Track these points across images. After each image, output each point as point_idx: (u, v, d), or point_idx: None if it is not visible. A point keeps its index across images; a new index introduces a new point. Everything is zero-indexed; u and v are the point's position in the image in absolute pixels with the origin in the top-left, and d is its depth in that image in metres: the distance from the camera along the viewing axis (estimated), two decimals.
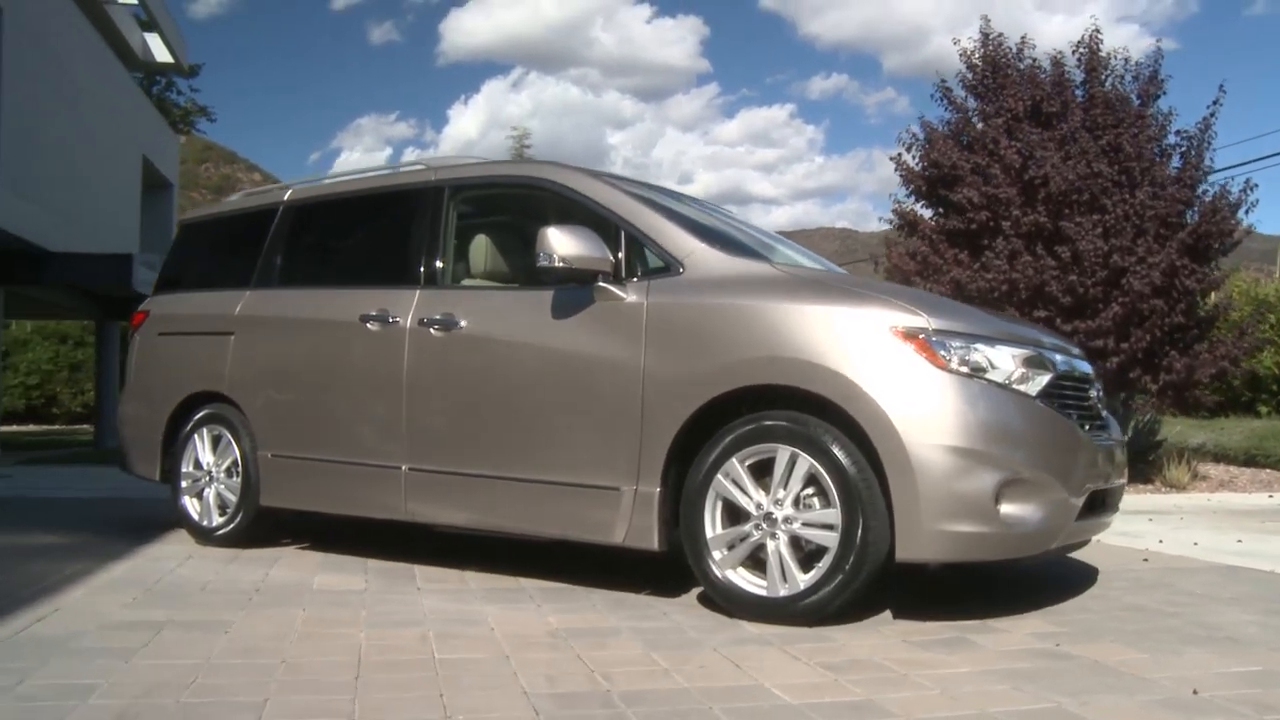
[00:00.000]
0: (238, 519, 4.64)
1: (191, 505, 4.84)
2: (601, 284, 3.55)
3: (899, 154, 9.79)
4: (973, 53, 9.49)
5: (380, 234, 4.55)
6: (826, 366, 3.11)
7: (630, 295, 3.52)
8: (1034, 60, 9.48)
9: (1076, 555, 4.71)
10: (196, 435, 4.83)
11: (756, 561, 3.23)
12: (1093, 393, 3.58)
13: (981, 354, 3.14)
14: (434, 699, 2.29)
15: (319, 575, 3.97)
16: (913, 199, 9.92)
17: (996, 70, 9.37)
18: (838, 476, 3.06)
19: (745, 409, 3.30)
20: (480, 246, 4.14)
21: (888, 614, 3.30)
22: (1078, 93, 9.25)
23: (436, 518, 4.04)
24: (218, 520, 4.73)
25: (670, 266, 3.53)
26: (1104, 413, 3.67)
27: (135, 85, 19.72)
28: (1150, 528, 5.95)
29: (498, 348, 3.85)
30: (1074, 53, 9.43)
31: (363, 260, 4.63)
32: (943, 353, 3.07)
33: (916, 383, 3.03)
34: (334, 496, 4.34)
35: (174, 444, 4.93)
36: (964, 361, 3.09)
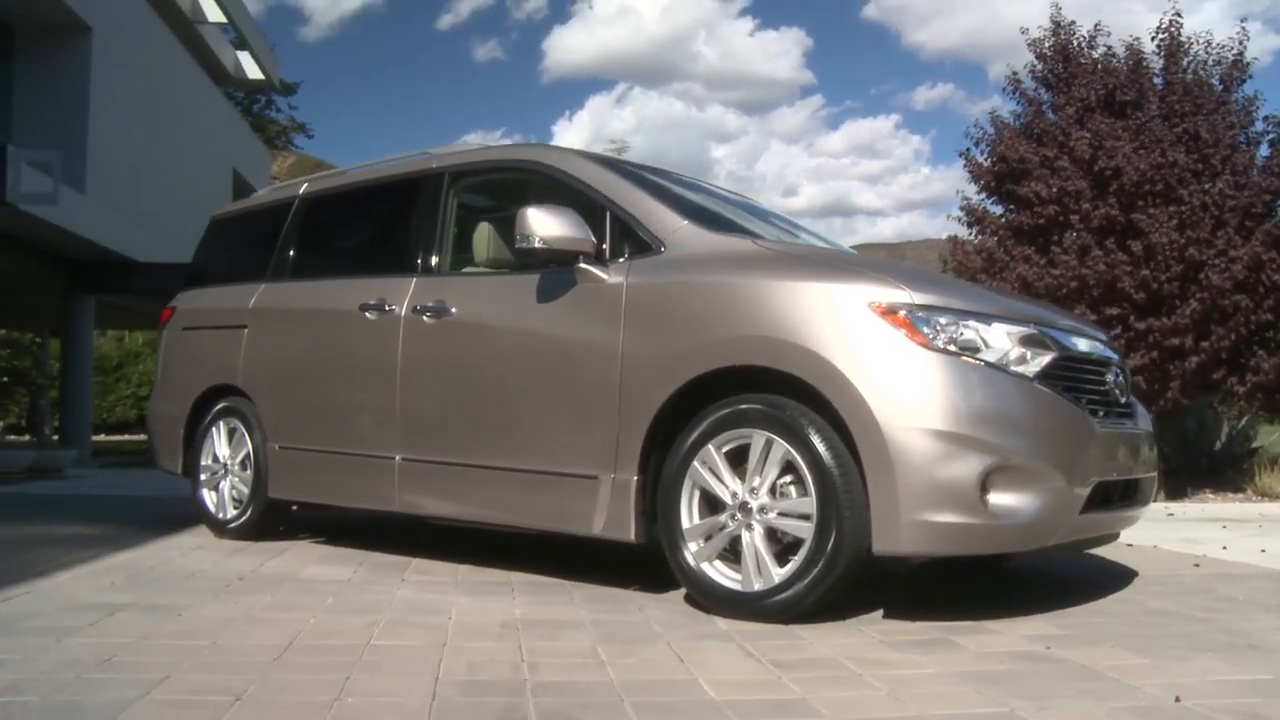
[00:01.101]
0: (249, 512, 4.65)
1: (209, 498, 4.87)
2: (582, 265, 3.42)
3: (967, 150, 9.43)
4: (1042, 42, 9.08)
5: (384, 223, 4.51)
6: (801, 345, 2.91)
7: (611, 276, 3.38)
8: (1108, 48, 9.02)
9: (1116, 558, 4.41)
10: (214, 429, 4.87)
11: (734, 554, 3.05)
12: (1110, 377, 3.28)
13: (972, 331, 2.90)
14: (338, 682, 2.18)
15: (312, 566, 3.93)
16: (983, 196, 9.55)
17: (1067, 60, 8.94)
18: (813, 463, 2.86)
19: (729, 392, 3.12)
20: (477, 232, 4.04)
21: (879, 612, 3.08)
22: (1156, 80, 8.76)
23: (427, 509, 3.95)
24: (232, 513, 4.74)
25: (653, 246, 3.38)
26: (1125, 399, 3.36)
27: (226, 101, 20.44)
28: (1221, 534, 5.54)
29: (485, 334, 3.75)
30: (1153, 39, 8.94)
31: (367, 250, 4.61)
32: (925, 329, 2.84)
33: (895, 361, 2.81)
34: (334, 488, 4.31)
35: (194, 438, 4.98)
36: (951, 339, 2.86)
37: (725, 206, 4.07)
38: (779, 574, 2.91)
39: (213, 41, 20.39)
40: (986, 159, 9.20)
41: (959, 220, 9.51)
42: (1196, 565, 4.32)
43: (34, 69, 12.15)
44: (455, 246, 4.12)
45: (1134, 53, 8.77)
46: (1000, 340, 2.93)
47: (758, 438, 2.99)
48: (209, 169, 17.80)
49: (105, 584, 3.39)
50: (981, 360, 2.86)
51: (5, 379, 27.40)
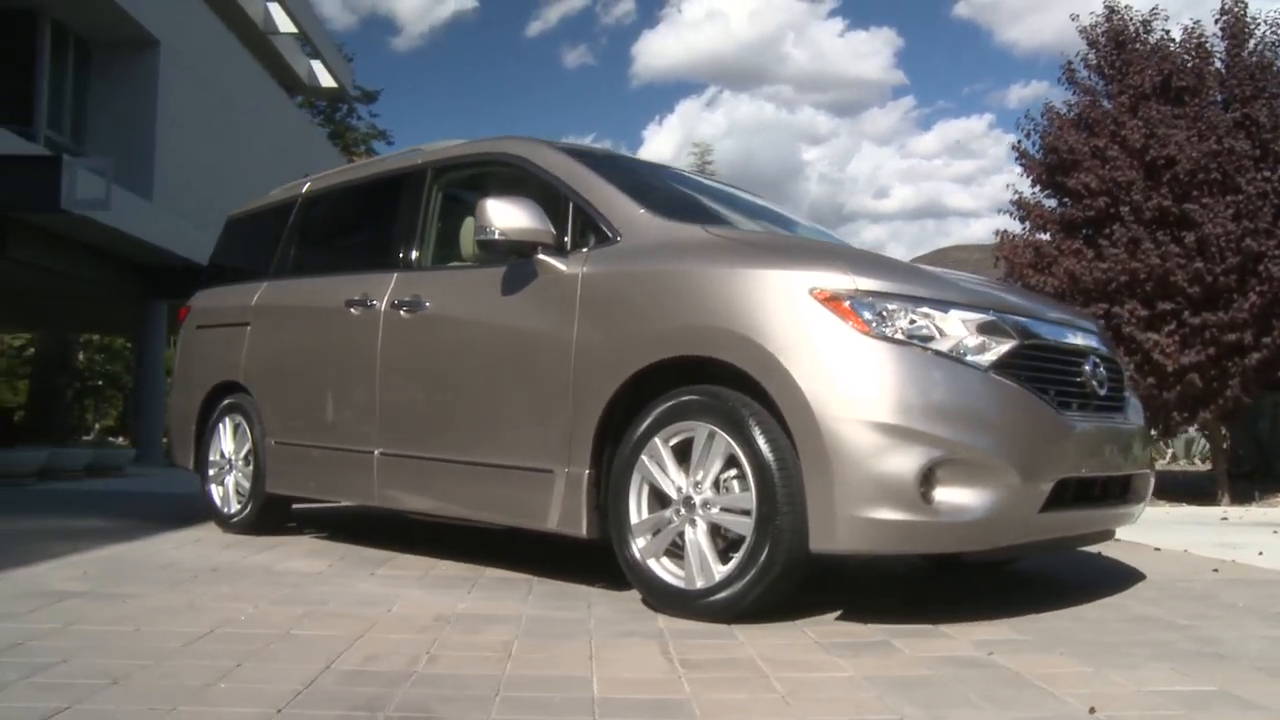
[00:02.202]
0: (249, 507, 4.71)
1: (216, 493, 4.96)
2: (541, 256, 3.37)
3: (1018, 142, 9.12)
4: (1094, 28, 8.73)
5: (374, 219, 4.53)
6: (741, 334, 2.81)
7: (569, 267, 3.32)
8: (1165, 32, 8.62)
9: (1131, 560, 4.24)
10: (220, 425, 4.95)
11: (680, 550, 2.95)
12: (1087, 368, 3.09)
13: (924, 319, 2.75)
14: (225, 669, 2.17)
15: (294, 560, 3.95)
16: (1036, 188, 9.22)
17: (1121, 46, 8.57)
18: (753, 457, 2.75)
19: (682, 383, 3.03)
20: (458, 227, 4.03)
21: (835, 613, 2.95)
22: (1217, 64, 8.34)
23: (403, 504, 3.95)
24: (235, 507, 4.82)
25: (611, 235, 3.31)
26: (1106, 391, 3.15)
27: (297, 109, 20.93)
28: (1266, 539, 5.26)
29: (455, 328, 3.73)
30: (1216, 21, 8.52)
31: (358, 246, 4.64)
32: (867, 316, 2.70)
33: (835, 350, 2.68)
34: (323, 483, 4.34)
35: (204, 433, 5.08)
36: (899, 327, 2.72)
37: (704, 198, 3.97)
38: (720, 572, 2.81)
39: (286, 52, 20.95)
40: (1037, 151, 8.88)
41: (1010, 215, 9.19)
42: (1215, 570, 4.06)
43: (105, 81, 12.63)
44: (437, 241, 4.11)
45: (1192, 35, 8.36)
46: (955, 328, 2.78)
47: (700, 430, 2.90)
48: (280, 176, 18.26)
49: (78, 574, 3.46)
50: (931, 349, 2.72)
51: (100, 383, 28.70)
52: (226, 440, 4.91)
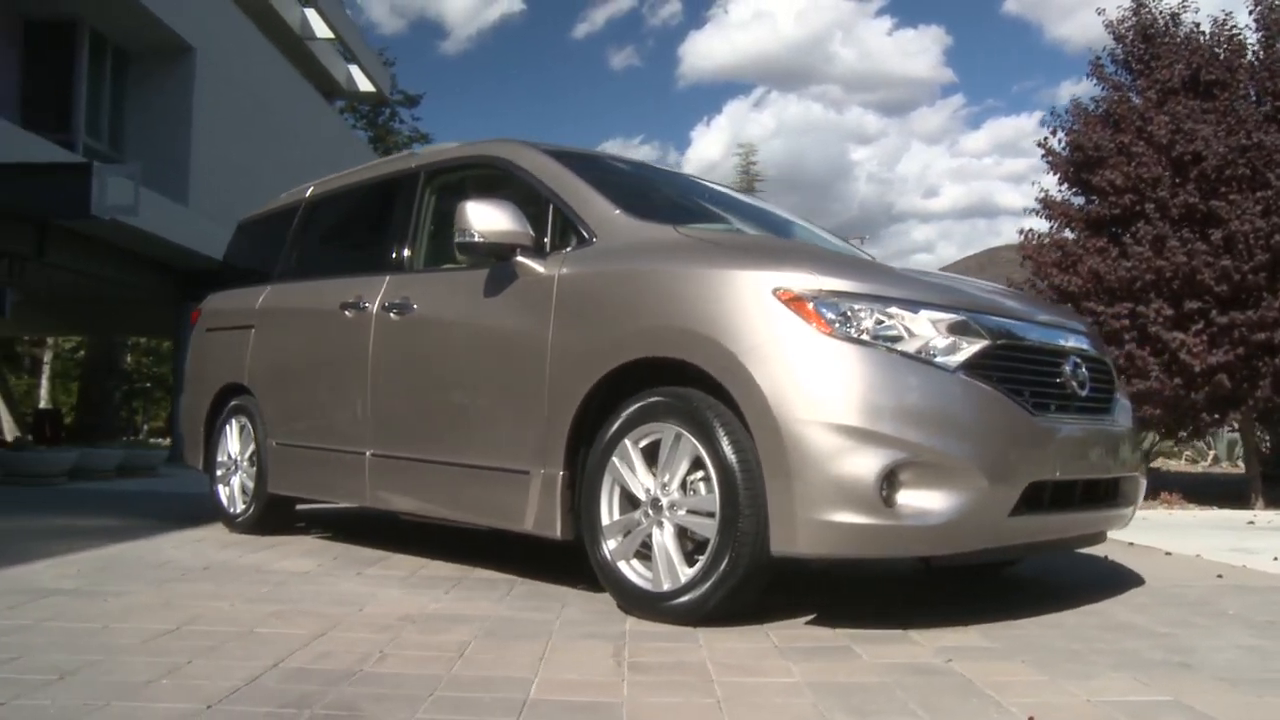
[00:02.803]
0: (253, 507, 4.78)
1: (223, 493, 5.04)
2: (519, 258, 3.38)
3: (1044, 139, 8.97)
4: (1121, 23, 8.56)
5: (370, 222, 4.58)
6: (704, 335, 2.80)
7: (546, 268, 3.32)
8: (1195, 25, 8.43)
9: (1135, 564, 4.21)
10: (227, 426, 5.03)
11: (649, 552, 2.94)
12: (1067, 369, 3.03)
13: (891, 319, 2.72)
14: (174, 665, 2.21)
15: (288, 559, 4.00)
16: (1063, 186, 9.06)
17: (1149, 40, 8.39)
18: (717, 459, 2.74)
19: (653, 384, 3.02)
20: (448, 230, 4.05)
21: (806, 617, 2.92)
22: (1250, 55, 8.13)
23: (393, 504, 3.98)
24: (240, 507, 4.89)
25: (587, 236, 3.31)
26: (1087, 392, 3.08)
27: (335, 113, 21.15)
28: None
29: (440, 330, 3.76)
30: (1250, 13, 8.31)
31: (355, 249, 4.69)
32: (830, 316, 2.67)
33: (796, 351, 2.65)
34: (319, 484, 4.39)
35: (212, 434, 5.17)
36: (862, 327, 2.68)
37: (691, 199, 3.96)
38: (685, 574, 2.80)
39: (324, 57, 21.23)
40: (1063, 147, 8.72)
41: (1036, 214, 9.04)
42: (1220, 576, 3.96)
43: (142, 89, 12.88)
44: (429, 244, 4.14)
45: (1224, 28, 8.16)
46: (924, 328, 2.74)
47: (668, 432, 2.89)
48: (315, 178, 18.52)
49: (71, 572, 3.54)
50: (897, 350, 2.68)
51: (148, 384, 29.29)
52: (233, 441, 4.99)
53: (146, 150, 12.50)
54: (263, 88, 15.38)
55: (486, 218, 3.32)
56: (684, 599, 2.77)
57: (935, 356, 2.71)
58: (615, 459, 3.01)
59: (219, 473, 5.07)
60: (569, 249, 3.34)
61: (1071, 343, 3.15)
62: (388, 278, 4.06)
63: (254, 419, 4.80)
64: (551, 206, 3.47)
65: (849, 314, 2.69)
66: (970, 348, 2.76)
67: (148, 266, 12.61)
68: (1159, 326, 7.44)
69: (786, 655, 2.47)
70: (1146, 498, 8.18)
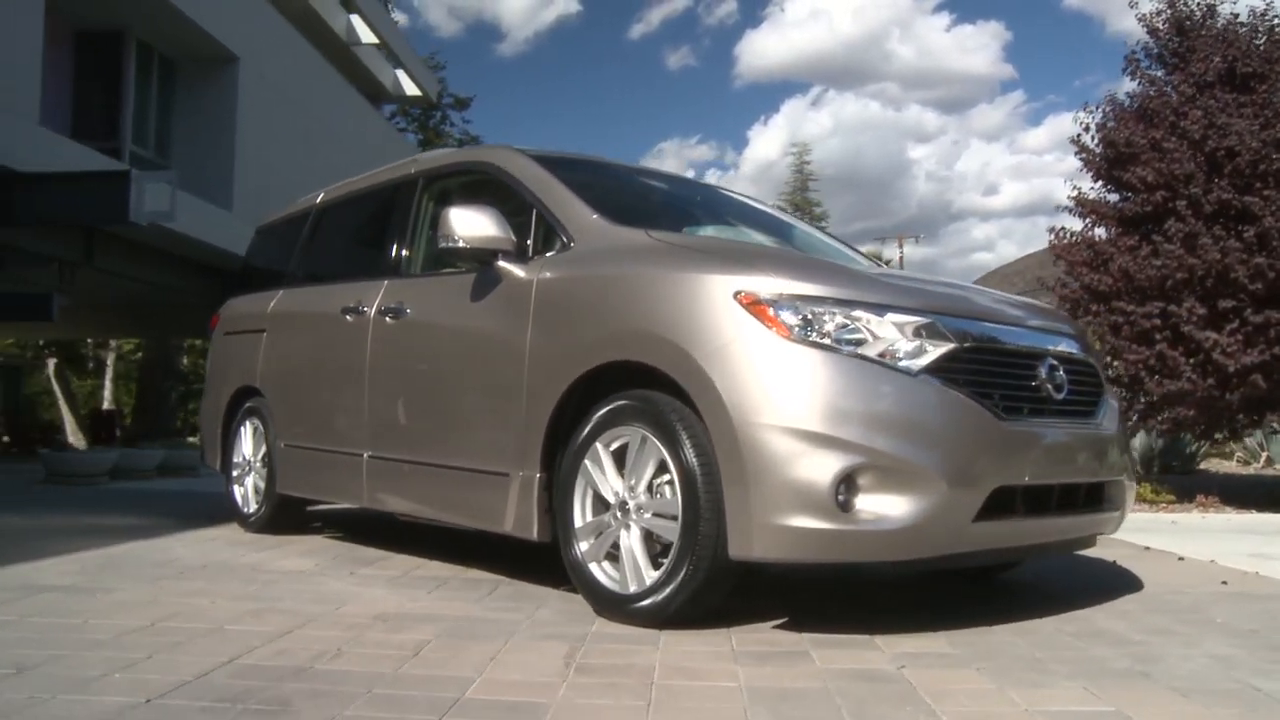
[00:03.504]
0: (263, 507, 4.89)
1: (238, 493, 5.16)
2: (501, 263, 3.43)
3: (1077, 135, 8.79)
4: (1154, 16, 8.36)
5: (373, 228, 4.65)
6: (668, 339, 2.81)
7: (526, 273, 3.36)
8: (1233, 16, 8.20)
9: (1140, 568, 4.17)
10: (242, 428, 5.15)
11: (618, 555, 2.97)
12: (1042, 372, 2.98)
13: (851, 322, 2.70)
14: (133, 660, 2.29)
15: (288, 559, 4.08)
16: (1098, 183, 8.88)
17: (1182, 33, 8.19)
18: (679, 462, 2.75)
19: (625, 388, 3.04)
20: None
21: (774, 621, 2.92)
22: None
23: (389, 505, 4.04)
24: (253, 507, 5.01)
25: (565, 241, 3.35)
26: (1065, 395, 3.03)
27: (381, 118, 21.43)
28: None
29: (430, 334, 3.82)
30: None
31: (358, 254, 4.77)
32: (790, 320, 2.67)
33: (755, 355, 2.66)
34: (322, 484, 4.48)
35: (229, 436, 5.29)
36: (824, 331, 2.68)
37: (675, 203, 3.97)
38: (650, 577, 2.82)
39: (370, 62, 21.54)
40: (1096, 144, 8.55)
41: (1069, 211, 8.87)
42: (1224, 583, 3.87)
43: (187, 97, 13.21)
44: (426, 249, 4.20)
45: (1260, 17, 7.94)
46: (889, 331, 2.72)
47: (634, 436, 2.91)
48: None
49: (74, 569, 3.66)
50: (858, 353, 2.67)
51: (198, 385, 30.02)
52: (247, 443, 5.11)
53: (191, 156, 12.83)
54: (306, 93, 15.66)
55: (468, 223, 3.36)
56: (647, 602, 2.79)
57: (899, 360, 2.70)
58: (587, 462, 3.03)
59: (234, 473, 5.19)
60: (550, 254, 3.38)
61: (1051, 345, 3.11)
62: (386, 282, 4.14)
63: (265, 421, 4.91)
64: (535, 211, 3.51)
65: (810, 317, 2.68)
66: (936, 351, 2.73)
67: (194, 270, 12.92)
68: (1192, 326, 7.26)
69: (740, 659, 2.47)
70: (1182, 500, 8.03)
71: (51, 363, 24.43)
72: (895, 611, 3.26)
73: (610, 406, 2.98)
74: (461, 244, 3.37)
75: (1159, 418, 7.85)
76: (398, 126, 38.06)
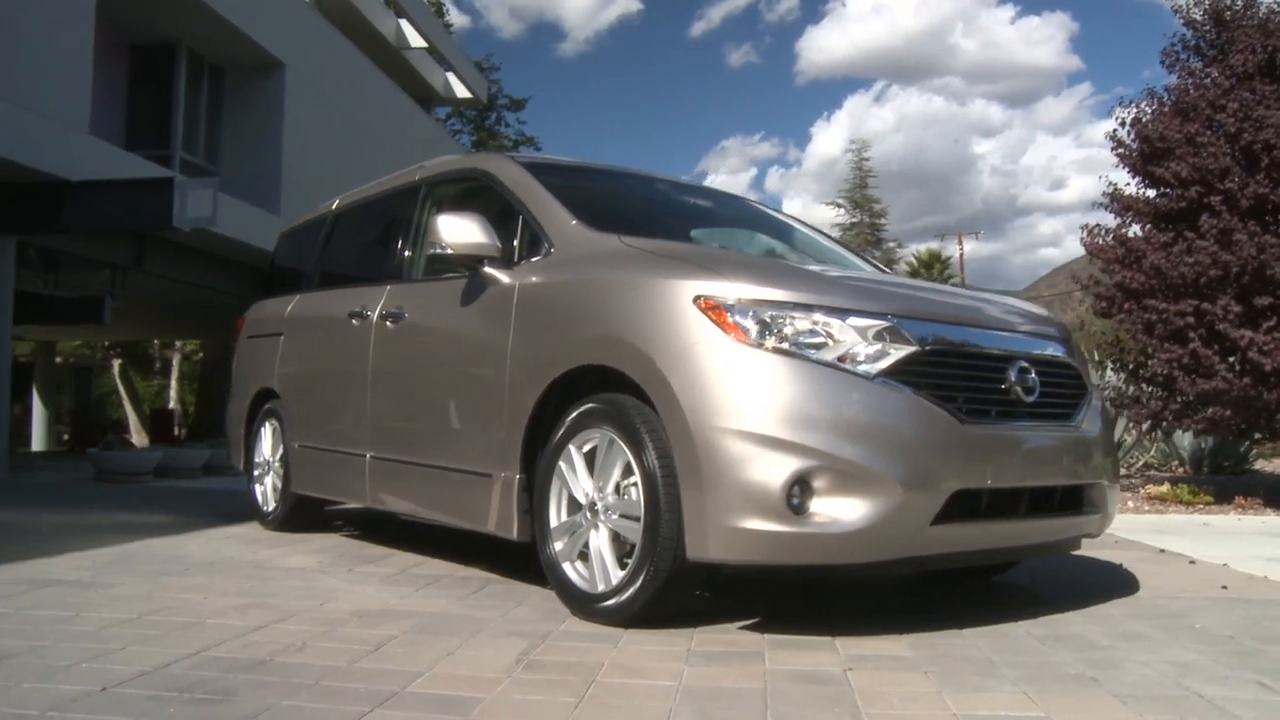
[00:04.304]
0: (280, 506, 5.05)
1: (258, 492, 5.33)
2: (486, 269, 3.51)
3: (1113, 130, 8.63)
4: (1192, 7, 8.18)
5: (380, 233, 4.77)
6: (631, 343, 2.87)
7: (510, 278, 3.44)
8: (1275, 6, 7.98)
9: (1144, 571, 4.10)
10: (262, 429, 5.32)
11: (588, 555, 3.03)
12: (1013, 374, 2.97)
13: (810, 325, 2.73)
14: (107, 651, 2.41)
15: (295, 557, 4.22)
16: (1136, 179, 8.71)
17: (1221, 25, 8.00)
18: (642, 465, 2.80)
19: (599, 390, 3.10)
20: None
21: (741, 622, 2.96)
22: None
23: (388, 505, 4.15)
24: (271, 506, 5.17)
25: (547, 246, 3.42)
26: (1036, 398, 3.01)
27: (430, 119, 21.70)
28: None
29: (425, 338, 3.92)
30: None
31: (366, 260, 4.89)
32: (747, 324, 2.70)
33: (712, 359, 2.69)
34: (331, 484, 4.60)
35: (250, 437, 5.46)
36: (782, 334, 2.70)
37: (662, 209, 4.01)
38: (616, 577, 2.87)
39: (421, 66, 21.89)
40: (1132, 139, 8.39)
41: (1104, 208, 8.71)
42: (1224, 587, 3.80)
43: (236, 103, 13.59)
44: (426, 254, 4.29)
45: None
46: (848, 335, 2.74)
47: (603, 438, 2.97)
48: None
49: (86, 564, 3.83)
50: (815, 358, 2.69)
51: None
52: (266, 443, 5.27)
53: (239, 161, 13.19)
54: (352, 97, 15.98)
55: (456, 230, 3.45)
56: (612, 601, 2.84)
57: (858, 364, 2.71)
58: (561, 464, 3.10)
59: (255, 473, 5.36)
60: (534, 259, 3.45)
61: (1025, 348, 3.09)
62: (388, 287, 4.25)
63: (282, 422, 5.06)
64: (521, 218, 3.58)
65: (767, 321, 2.71)
66: (897, 354, 2.75)
67: (241, 272, 13.28)
68: (1227, 324, 7.10)
69: (690, 659, 2.51)
70: (1221, 502, 7.83)
71: (116, 363, 25.24)
72: (869, 614, 3.27)
73: (581, 409, 3.05)
74: (450, 251, 3.46)
75: (1195, 418, 7.68)
76: (453, 128, 38.74)
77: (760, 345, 2.68)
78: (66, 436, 21.68)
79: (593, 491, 3.00)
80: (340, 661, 2.39)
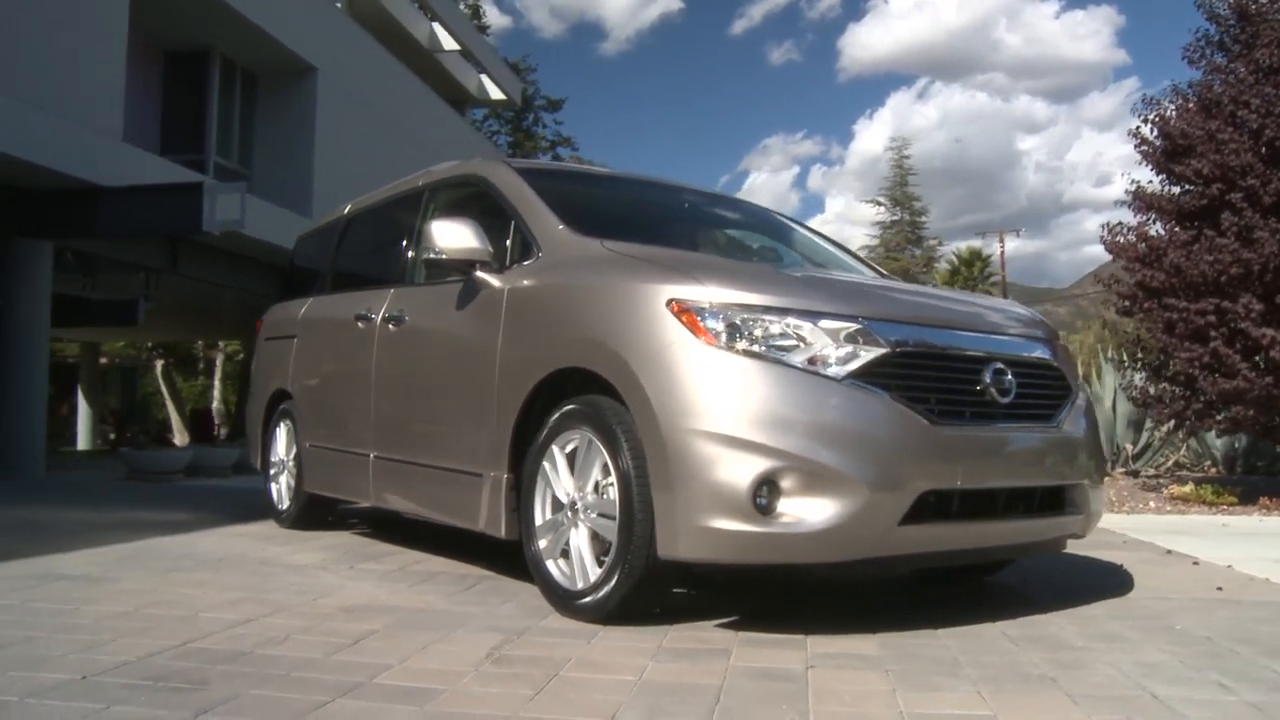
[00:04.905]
0: (293, 504, 5.17)
1: (274, 491, 5.46)
2: (478, 273, 3.59)
3: (1136, 127, 8.54)
4: (1215, 1, 8.07)
5: (386, 238, 4.87)
6: (607, 346, 2.93)
7: (499, 282, 3.52)
8: None
9: (1143, 571, 4.13)
10: (277, 429, 5.45)
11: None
12: (987, 376, 2.99)
13: (780, 328, 2.77)
14: (98, 642, 2.52)
15: (301, 554, 4.32)
16: (1160, 176, 8.61)
17: (1246, 19, 7.89)
18: (617, 464, 2.87)
19: (581, 392, 3.17)
20: None
21: (719, 620, 3.01)
22: None
23: (390, 504, 4.25)
24: (286, 504, 5.30)
25: (536, 251, 3.49)
26: (1012, 400, 3.02)
27: (464, 121, 21.88)
28: None
29: (423, 340, 4.01)
30: None
31: (373, 263, 5.00)
32: (716, 328, 2.75)
33: (682, 362, 2.75)
34: (339, 483, 4.72)
35: (267, 437, 5.60)
36: (752, 337, 2.75)
37: (649, 215, 4.08)
38: (594, 574, 2.94)
39: (455, 68, 22.10)
40: (1155, 136, 8.30)
41: (1127, 205, 8.62)
42: (1219, 589, 3.78)
43: (269, 108, 13.85)
44: (423, 259, 4.38)
45: None
46: (819, 338, 2.78)
47: (582, 439, 3.03)
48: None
49: (96, 560, 3.96)
50: (783, 360, 2.73)
51: None
52: (280, 443, 5.40)
53: (272, 165, 13.43)
54: (384, 100, 16.18)
55: (448, 235, 3.54)
56: (589, 599, 2.91)
57: (828, 366, 2.75)
58: (545, 464, 3.17)
59: (271, 472, 5.49)
60: (524, 264, 3.53)
61: (1003, 349, 3.10)
62: (392, 290, 4.35)
63: (295, 422, 5.19)
64: (513, 222, 3.66)
65: (738, 325, 2.76)
66: (866, 356, 2.78)
67: (272, 274, 13.51)
68: (1249, 323, 7.01)
69: (659, 655, 2.57)
70: (1246, 503, 7.72)
71: (159, 364, 25.76)
72: (849, 613, 3.29)
73: (562, 411, 3.12)
74: (443, 256, 3.55)
75: (1217, 417, 7.59)
76: (490, 130, 39.13)
77: (730, 348, 2.73)
78: (113, 436, 22.18)
79: (574, 491, 3.07)
80: (318, 654, 2.48)
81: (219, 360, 29.55)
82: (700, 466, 2.65)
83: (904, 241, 59.54)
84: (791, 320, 2.79)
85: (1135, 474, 10.38)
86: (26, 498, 6.97)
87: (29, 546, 4.26)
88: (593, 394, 3.07)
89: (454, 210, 4.52)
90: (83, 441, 21.59)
